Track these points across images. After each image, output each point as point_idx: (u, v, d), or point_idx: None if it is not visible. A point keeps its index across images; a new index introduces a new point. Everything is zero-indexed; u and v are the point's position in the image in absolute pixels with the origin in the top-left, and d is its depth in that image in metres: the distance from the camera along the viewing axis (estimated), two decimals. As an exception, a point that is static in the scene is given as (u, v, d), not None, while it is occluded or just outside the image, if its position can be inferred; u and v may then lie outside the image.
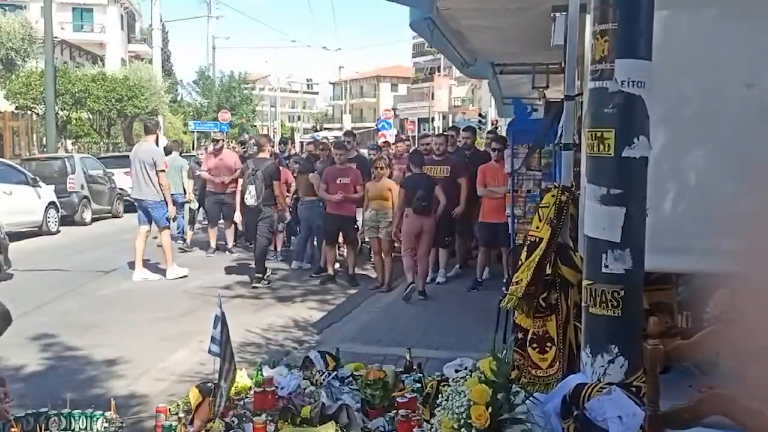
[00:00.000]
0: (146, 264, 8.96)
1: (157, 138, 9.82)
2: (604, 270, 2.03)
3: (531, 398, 2.18)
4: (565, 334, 2.81)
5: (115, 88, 28.07)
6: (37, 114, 26.42)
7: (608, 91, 2.02)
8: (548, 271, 2.79)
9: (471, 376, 2.14)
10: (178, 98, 42.74)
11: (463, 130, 10.00)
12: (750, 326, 1.33)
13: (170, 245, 9.00)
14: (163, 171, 8.68)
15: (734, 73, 2.30)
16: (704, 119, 2.35)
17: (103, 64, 34.92)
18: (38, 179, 13.21)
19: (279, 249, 10.22)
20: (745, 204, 2.24)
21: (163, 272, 8.85)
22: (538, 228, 2.93)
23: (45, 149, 21.49)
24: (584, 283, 2.12)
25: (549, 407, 2.12)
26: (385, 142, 15.11)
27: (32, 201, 12.76)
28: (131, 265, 9.66)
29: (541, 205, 3.01)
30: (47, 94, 19.73)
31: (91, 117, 29.51)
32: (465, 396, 2.11)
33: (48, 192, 13.33)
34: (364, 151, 10.99)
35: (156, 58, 33.95)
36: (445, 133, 11.21)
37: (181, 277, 8.68)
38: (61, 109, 25.98)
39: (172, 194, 9.07)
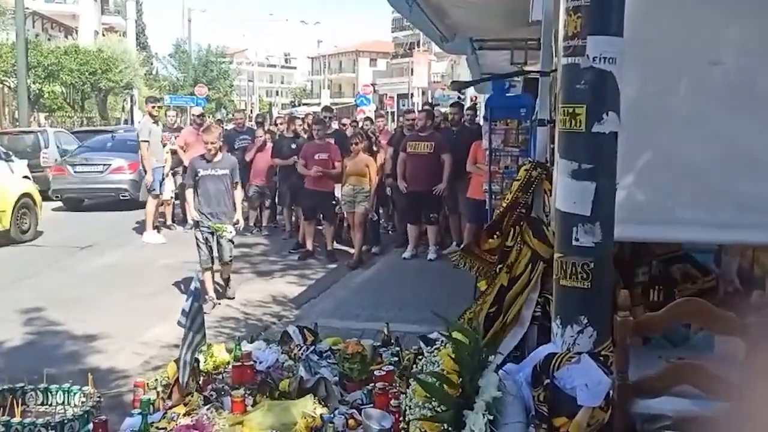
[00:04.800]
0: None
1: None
2: (574, 243, 2.06)
3: (502, 369, 2.24)
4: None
5: (88, 60, 27.51)
6: (9, 87, 25.81)
7: (580, 67, 2.04)
8: (509, 242, 2.83)
9: (445, 347, 2.20)
10: (154, 72, 41.96)
11: (450, 106, 9.91)
12: None
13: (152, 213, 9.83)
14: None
15: (700, 50, 2.34)
16: (670, 95, 2.39)
17: (76, 37, 34.11)
18: (11, 153, 12.95)
19: (264, 224, 10.51)
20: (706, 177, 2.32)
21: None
22: (507, 200, 2.98)
23: (17, 123, 21.04)
24: (555, 256, 2.16)
25: (520, 376, 2.18)
26: (367, 117, 15.01)
27: (5, 175, 12.51)
28: (108, 241, 9.65)
29: (515, 179, 3.06)
30: (19, 66, 19.30)
31: (64, 90, 28.90)
32: (439, 366, 2.16)
33: (21, 167, 13.06)
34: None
35: (130, 31, 33.30)
36: (426, 107, 11.16)
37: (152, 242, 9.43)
38: (33, 83, 25.40)
39: (156, 167, 9.75)
